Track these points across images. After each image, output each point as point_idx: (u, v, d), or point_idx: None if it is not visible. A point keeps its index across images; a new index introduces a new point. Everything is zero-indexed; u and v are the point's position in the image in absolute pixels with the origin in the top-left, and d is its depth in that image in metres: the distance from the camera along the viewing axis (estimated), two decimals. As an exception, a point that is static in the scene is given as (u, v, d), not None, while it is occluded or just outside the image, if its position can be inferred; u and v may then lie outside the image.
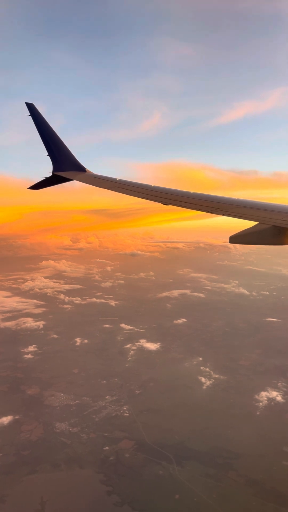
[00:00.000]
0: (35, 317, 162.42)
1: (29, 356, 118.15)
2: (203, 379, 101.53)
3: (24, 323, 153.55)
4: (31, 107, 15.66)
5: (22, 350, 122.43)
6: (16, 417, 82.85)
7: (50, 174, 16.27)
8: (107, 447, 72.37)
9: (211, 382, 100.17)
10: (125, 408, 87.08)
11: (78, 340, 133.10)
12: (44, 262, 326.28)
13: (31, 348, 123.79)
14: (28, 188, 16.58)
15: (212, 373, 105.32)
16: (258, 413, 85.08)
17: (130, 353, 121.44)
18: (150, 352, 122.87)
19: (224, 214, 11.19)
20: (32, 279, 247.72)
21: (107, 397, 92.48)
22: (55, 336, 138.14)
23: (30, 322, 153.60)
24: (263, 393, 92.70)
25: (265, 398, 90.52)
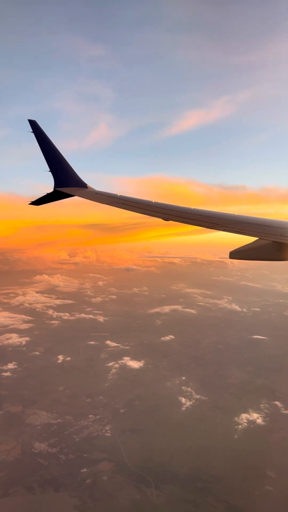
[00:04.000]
0: (20, 333, 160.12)
1: (8, 374, 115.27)
2: (183, 399, 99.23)
3: (8, 339, 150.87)
4: (33, 124, 15.93)
5: (0, 368, 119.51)
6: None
7: (52, 190, 16.43)
8: (85, 469, 70.26)
9: (191, 402, 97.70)
10: (107, 428, 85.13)
11: (60, 357, 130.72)
12: (38, 277, 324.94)
13: (11, 366, 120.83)
14: (30, 204, 16.66)
15: (193, 393, 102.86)
16: (240, 435, 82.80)
17: (112, 371, 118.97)
18: (132, 370, 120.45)
19: (224, 230, 11.27)
20: (23, 294, 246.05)
21: (90, 416, 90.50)
22: (37, 353, 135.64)
23: (14, 338, 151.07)
24: (245, 415, 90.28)
25: (245, 421, 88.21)
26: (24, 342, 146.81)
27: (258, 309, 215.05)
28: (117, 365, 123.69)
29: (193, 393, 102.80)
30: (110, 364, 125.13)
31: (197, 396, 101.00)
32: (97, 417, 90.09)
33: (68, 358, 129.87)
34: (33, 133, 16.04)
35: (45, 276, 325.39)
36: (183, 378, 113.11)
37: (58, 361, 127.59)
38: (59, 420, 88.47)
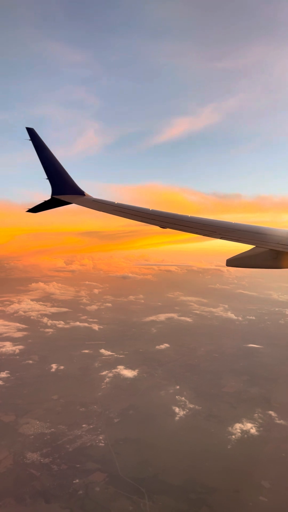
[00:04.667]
0: (14, 341, 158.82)
1: (0, 382, 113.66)
2: (177, 409, 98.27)
3: (1, 347, 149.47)
4: (31, 132, 16.06)
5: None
6: (-14, 446, 79.78)
7: (49, 197, 16.49)
8: (77, 480, 69.35)
9: (185, 412, 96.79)
10: (101, 438, 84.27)
11: (54, 366, 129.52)
12: (33, 284, 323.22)
13: (3, 374, 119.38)
14: (27, 211, 16.66)
15: (187, 402, 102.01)
16: (233, 445, 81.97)
17: (106, 380, 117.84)
18: (126, 379, 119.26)
19: (221, 238, 11.33)
20: (18, 302, 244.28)
21: (83, 425, 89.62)
22: (30, 361, 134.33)
23: (7, 347, 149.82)
24: (239, 425, 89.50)
25: (239, 431, 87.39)
26: (17, 351, 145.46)
27: (254, 318, 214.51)
28: (111, 374, 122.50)
29: (187, 402, 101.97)
30: (104, 373, 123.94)
31: (191, 406, 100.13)
32: (91, 426, 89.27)
33: (62, 367, 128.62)
34: (31, 141, 16.12)
35: (41, 284, 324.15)
36: (177, 387, 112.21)
37: (51, 370, 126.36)
38: (52, 429, 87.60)
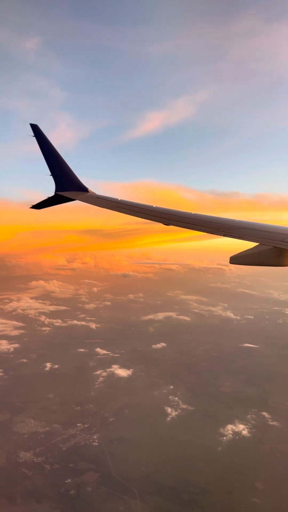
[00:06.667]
0: (10, 339, 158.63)
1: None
2: (169, 409, 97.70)
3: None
4: (35, 128, 16.02)
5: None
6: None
7: (53, 193, 16.53)
8: (69, 480, 69.00)
9: (177, 413, 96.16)
10: (95, 437, 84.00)
11: (48, 364, 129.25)
12: (34, 282, 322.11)
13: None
14: (31, 208, 16.73)
15: (180, 402, 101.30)
16: (225, 446, 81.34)
17: (100, 379, 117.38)
18: (120, 378, 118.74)
19: (224, 235, 11.38)
20: (18, 300, 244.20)
21: (78, 424, 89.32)
22: (25, 360, 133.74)
23: (3, 345, 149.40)
24: (231, 426, 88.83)
25: (230, 432, 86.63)
26: (12, 349, 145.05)
27: (252, 317, 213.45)
28: (105, 374, 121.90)
29: (180, 402, 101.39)
30: (99, 372, 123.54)
31: (184, 406, 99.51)
32: (86, 425, 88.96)
33: (56, 366, 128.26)
34: (34, 137, 16.05)
35: (41, 282, 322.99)
36: (171, 387, 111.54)
37: (46, 369, 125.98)
38: (47, 428, 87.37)
